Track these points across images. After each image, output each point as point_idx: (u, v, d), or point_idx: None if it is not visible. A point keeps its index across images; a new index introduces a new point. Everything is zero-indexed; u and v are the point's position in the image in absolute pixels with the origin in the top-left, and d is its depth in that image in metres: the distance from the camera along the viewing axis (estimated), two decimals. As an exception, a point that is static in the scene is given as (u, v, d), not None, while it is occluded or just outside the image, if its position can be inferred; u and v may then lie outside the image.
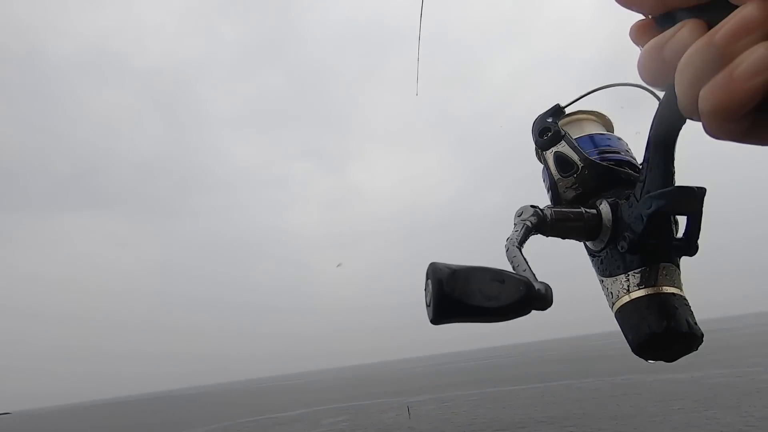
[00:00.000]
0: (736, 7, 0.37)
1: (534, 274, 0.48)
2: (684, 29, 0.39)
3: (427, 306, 0.46)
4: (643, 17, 0.43)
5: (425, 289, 0.46)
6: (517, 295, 0.45)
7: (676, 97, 0.39)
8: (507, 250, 0.53)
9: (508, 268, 0.50)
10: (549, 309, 0.47)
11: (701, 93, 0.37)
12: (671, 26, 0.40)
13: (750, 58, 0.37)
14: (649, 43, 0.41)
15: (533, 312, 0.47)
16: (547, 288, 0.47)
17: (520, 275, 0.47)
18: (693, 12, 0.39)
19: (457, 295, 0.44)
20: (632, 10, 0.42)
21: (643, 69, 0.42)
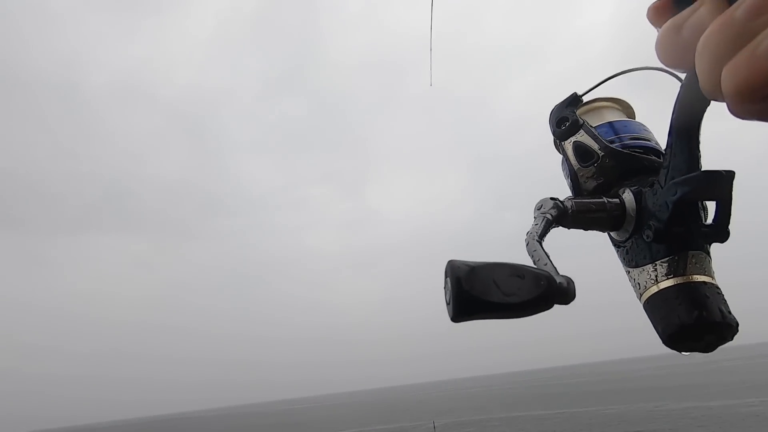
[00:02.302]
0: None
1: (555, 268, 0.47)
2: (703, 7, 0.38)
3: (447, 304, 0.44)
4: None
5: (444, 287, 0.45)
6: (538, 290, 0.43)
7: (697, 78, 0.38)
8: (527, 244, 0.51)
9: (530, 263, 0.48)
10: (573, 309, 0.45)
11: (723, 73, 0.36)
12: (689, 5, 0.39)
13: None
14: (667, 23, 0.39)
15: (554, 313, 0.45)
16: (570, 281, 0.45)
17: (541, 269, 0.45)
18: None
19: (476, 292, 0.43)
20: None
21: (662, 51, 0.40)
